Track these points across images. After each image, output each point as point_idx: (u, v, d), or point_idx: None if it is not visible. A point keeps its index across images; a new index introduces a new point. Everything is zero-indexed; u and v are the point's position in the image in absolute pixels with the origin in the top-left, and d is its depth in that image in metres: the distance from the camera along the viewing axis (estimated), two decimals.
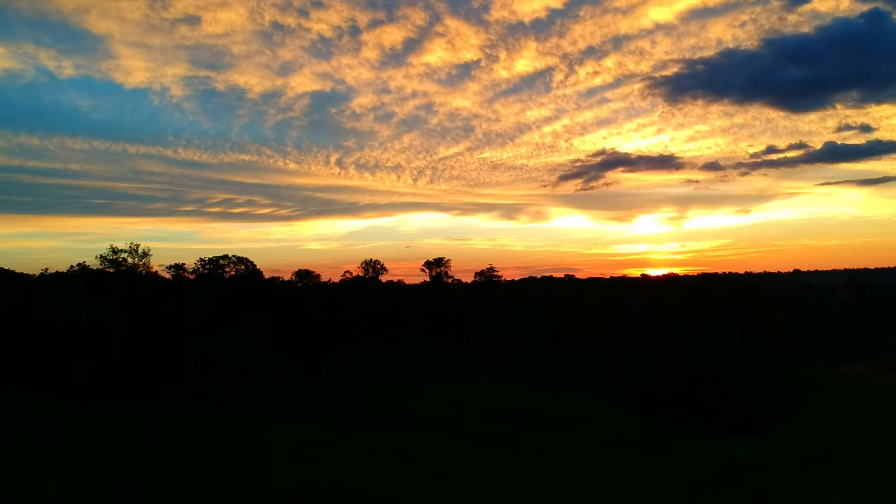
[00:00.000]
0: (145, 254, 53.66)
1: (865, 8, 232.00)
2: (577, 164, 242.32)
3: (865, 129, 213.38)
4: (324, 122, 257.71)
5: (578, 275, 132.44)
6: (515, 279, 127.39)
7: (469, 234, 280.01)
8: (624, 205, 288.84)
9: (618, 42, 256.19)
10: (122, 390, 41.70)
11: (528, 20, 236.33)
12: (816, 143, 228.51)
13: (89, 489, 15.74)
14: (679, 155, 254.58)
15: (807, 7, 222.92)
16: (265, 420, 31.69)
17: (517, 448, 28.93)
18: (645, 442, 29.60)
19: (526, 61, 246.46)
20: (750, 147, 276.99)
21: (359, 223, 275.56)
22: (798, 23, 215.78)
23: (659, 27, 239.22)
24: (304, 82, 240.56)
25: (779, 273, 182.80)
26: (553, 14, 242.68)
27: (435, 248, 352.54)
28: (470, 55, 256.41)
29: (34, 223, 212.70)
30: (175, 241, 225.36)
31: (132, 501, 15.15)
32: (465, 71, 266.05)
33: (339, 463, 22.31)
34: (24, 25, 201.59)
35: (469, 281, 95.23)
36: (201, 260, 70.30)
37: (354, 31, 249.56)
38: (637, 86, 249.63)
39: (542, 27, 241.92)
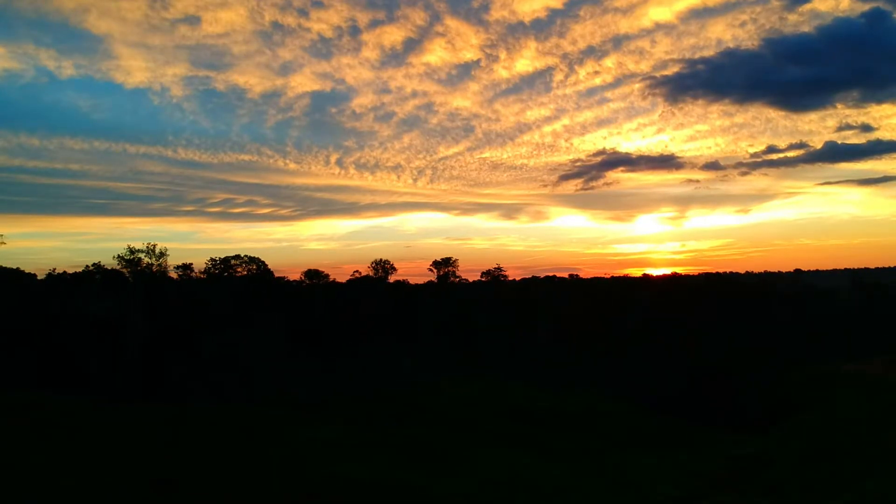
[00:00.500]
0: (162, 254, 54.64)
1: (866, 7, 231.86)
2: (578, 163, 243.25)
3: (866, 128, 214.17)
4: (324, 121, 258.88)
5: (580, 274, 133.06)
6: (517, 279, 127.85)
7: (469, 234, 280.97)
8: (624, 204, 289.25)
9: (618, 42, 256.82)
10: (142, 389, 42.56)
11: (528, 20, 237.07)
12: (817, 143, 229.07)
13: (120, 487, 16.21)
14: (679, 155, 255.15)
15: (807, 7, 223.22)
16: (284, 418, 32.31)
17: (532, 445, 29.52)
18: (659, 438, 30.20)
19: (526, 61, 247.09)
20: (750, 147, 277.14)
21: (359, 223, 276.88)
22: (798, 22, 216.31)
23: (659, 27, 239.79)
24: (304, 82, 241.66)
25: (779, 273, 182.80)
26: (553, 14, 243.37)
27: (435, 248, 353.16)
28: (470, 55, 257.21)
29: (34, 223, 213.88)
30: (175, 241, 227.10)
31: (163, 498, 15.57)
32: (465, 71, 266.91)
33: (359, 459, 22.84)
34: (24, 25, 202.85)
35: (472, 280, 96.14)
36: (212, 259, 71.46)
37: (354, 31, 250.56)
38: (637, 85, 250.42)
39: (542, 27, 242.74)
